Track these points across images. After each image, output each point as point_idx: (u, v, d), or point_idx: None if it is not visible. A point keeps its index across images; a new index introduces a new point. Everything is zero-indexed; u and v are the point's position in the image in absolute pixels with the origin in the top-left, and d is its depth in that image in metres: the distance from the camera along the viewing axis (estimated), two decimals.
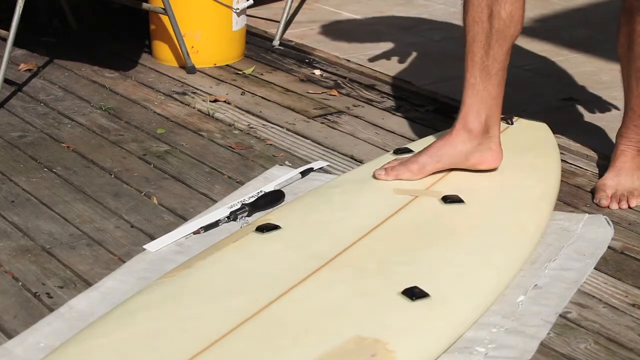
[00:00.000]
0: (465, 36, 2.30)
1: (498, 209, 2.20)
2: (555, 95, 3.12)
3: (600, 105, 3.02)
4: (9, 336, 1.84)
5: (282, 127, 2.86)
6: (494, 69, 2.28)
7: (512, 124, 2.62)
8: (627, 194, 2.36)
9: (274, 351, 1.66)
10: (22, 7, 2.98)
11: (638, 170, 2.43)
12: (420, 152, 2.35)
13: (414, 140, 2.68)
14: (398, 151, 2.48)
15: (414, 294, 1.81)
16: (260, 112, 2.98)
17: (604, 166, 2.52)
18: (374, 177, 2.31)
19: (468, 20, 2.29)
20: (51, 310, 1.92)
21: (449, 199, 2.19)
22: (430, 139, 2.59)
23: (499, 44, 2.26)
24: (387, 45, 3.58)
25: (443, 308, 1.81)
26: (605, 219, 2.28)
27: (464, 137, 2.30)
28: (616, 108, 2.95)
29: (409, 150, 2.47)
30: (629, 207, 2.35)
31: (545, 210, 2.23)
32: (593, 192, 2.42)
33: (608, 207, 2.35)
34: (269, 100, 3.08)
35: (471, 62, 2.29)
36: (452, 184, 2.28)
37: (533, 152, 2.48)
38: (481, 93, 2.29)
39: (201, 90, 3.16)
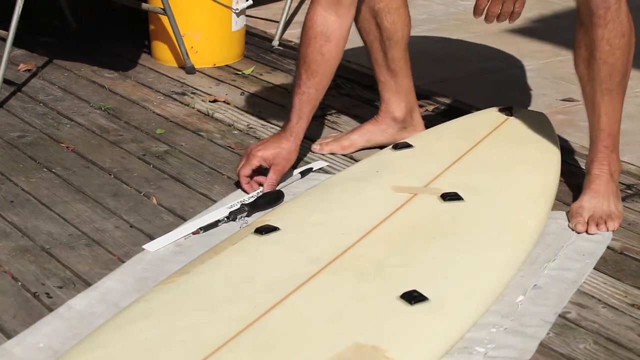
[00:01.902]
0: (364, 42, 2.61)
1: (497, 206, 2.19)
2: (555, 96, 3.12)
3: None
4: (8, 336, 1.84)
5: (281, 127, 2.85)
6: (397, 67, 2.59)
7: (511, 115, 2.62)
8: (605, 217, 2.25)
9: None
10: (21, 7, 2.98)
11: (613, 195, 2.31)
12: (352, 131, 2.70)
13: None
14: (397, 146, 2.49)
15: (412, 298, 1.80)
16: (260, 112, 2.98)
17: None
18: (312, 150, 2.65)
19: (360, 30, 2.60)
20: (50, 310, 1.92)
21: (448, 197, 2.19)
22: (429, 133, 2.60)
23: (393, 47, 2.57)
24: None
25: (442, 311, 1.80)
26: None
27: (390, 122, 2.65)
28: None
29: (408, 145, 2.47)
30: (608, 231, 2.24)
31: (545, 206, 2.23)
32: (567, 214, 2.30)
33: (586, 231, 2.23)
34: (268, 101, 3.08)
35: (376, 64, 2.62)
36: (452, 180, 2.28)
37: (532, 144, 2.47)
38: (394, 87, 2.62)
39: (200, 91, 3.16)
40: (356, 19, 2.57)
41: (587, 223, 2.24)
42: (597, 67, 2.24)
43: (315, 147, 2.67)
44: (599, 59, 2.23)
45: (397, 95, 2.63)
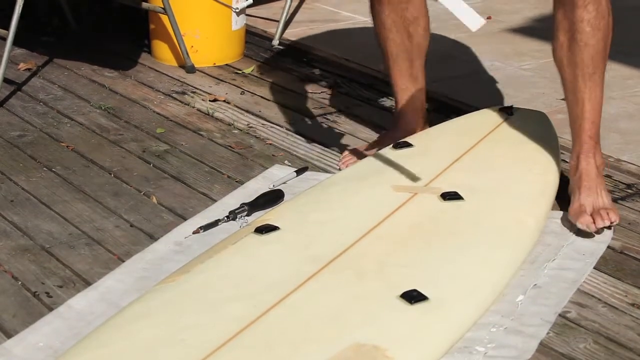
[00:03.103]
0: (386, 53, 2.58)
1: (497, 205, 2.19)
2: (554, 95, 3.12)
3: None
4: (8, 335, 1.84)
5: (281, 126, 2.86)
6: (419, 72, 2.61)
7: (511, 114, 2.62)
8: (608, 212, 2.23)
9: None
10: (21, 6, 2.98)
11: (603, 189, 2.28)
12: (373, 145, 2.62)
13: None
14: (397, 145, 2.48)
15: (412, 297, 1.80)
16: (260, 111, 2.98)
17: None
18: (339, 168, 2.57)
19: (387, 41, 2.57)
20: (50, 309, 1.92)
21: (448, 196, 2.19)
22: (429, 133, 2.59)
23: (419, 56, 2.60)
24: None
25: (442, 311, 1.80)
26: None
27: (404, 134, 2.56)
28: (613, 108, 2.94)
29: (408, 144, 2.47)
30: (612, 222, 2.22)
31: (544, 206, 2.23)
32: (570, 218, 2.25)
33: (594, 227, 2.20)
34: (268, 100, 3.08)
35: (399, 73, 2.60)
36: (452, 180, 2.27)
37: (532, 143, 2.46)
38: (413, 93, 2.61)
39: (200, 90, 3.16)
40: (380, 32, 2.57)
41: (593, 219, 2.21)
42: (578, 49, 2.22)
43: (343, 166, 2.56)
44: (579, 41, 2.21)
45: (414, 103, 2.61)
